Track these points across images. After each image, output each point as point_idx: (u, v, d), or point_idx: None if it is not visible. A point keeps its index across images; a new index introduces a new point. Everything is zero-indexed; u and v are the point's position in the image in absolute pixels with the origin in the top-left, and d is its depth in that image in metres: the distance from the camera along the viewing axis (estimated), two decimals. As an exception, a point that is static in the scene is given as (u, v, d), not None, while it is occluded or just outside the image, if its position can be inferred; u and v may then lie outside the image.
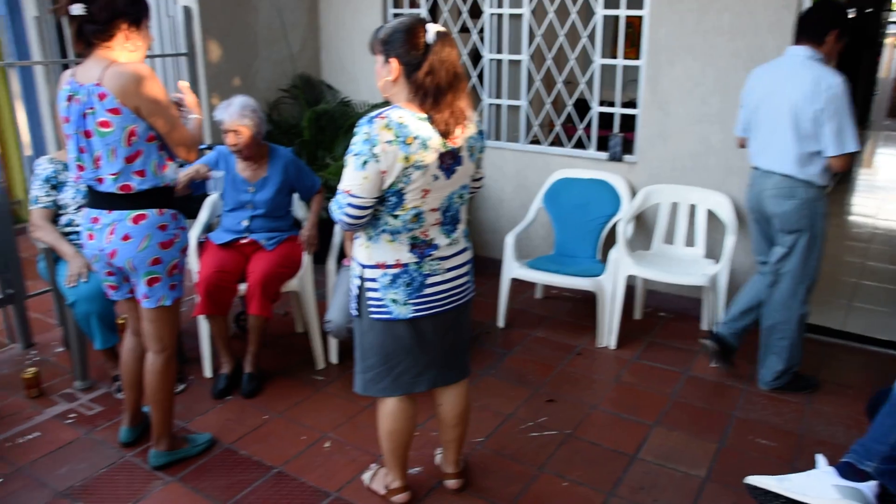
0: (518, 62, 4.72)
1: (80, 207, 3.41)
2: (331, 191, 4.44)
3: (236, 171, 3.48)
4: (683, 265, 3.98)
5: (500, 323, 4.21)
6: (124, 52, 2.45)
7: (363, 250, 2.30)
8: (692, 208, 4.14)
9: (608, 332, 3.95)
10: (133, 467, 2.92)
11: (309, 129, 4.82)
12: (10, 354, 3.94)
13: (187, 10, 4.56)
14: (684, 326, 4.22)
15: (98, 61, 2.41)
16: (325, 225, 3.77)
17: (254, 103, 3.42)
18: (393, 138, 2.09)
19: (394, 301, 2.28)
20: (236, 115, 3.33)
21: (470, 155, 2.27)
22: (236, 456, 2.97)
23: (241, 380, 3.48)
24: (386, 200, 2.19)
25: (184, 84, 2.75)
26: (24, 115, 3.93)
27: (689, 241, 4.16)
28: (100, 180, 2.51)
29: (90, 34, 2.40)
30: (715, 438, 3.09)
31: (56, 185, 3.41)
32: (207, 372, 3.61)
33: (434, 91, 2.13)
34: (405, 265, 2.26)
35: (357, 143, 2.13)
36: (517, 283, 4.16)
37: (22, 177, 6.18)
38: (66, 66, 4.23)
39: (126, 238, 2.52)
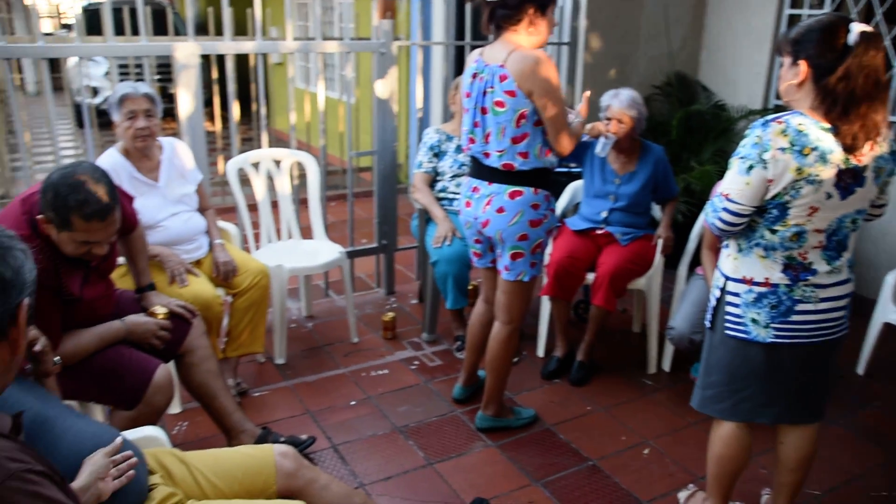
0: (937, 78, 4.07)
1: (454, 177, 3.70)
2: (690, 195, 4.30)
3: (607, 161, 3.50)
4: None
5: (860, 370, 3.71)
6: (527, 36, 2.56)
7: (730, 261, 2.16)
8: None
9: None
10: (460, 423, 3.12)
11: (677, 128, 4.68)
12: (374, 297, 4.46)
13: (576, 1, 4.69)
14: None
15: (505, 45, 2.56)
16: (680, 229, 3.63)
17: (640, 98, 3.41)
18: (787, 146, 1.91)
19: (754, 321, 2.11)
20: (625, 105, 3.34)
21: (875, 177, 1.99)
22: (555, 438, 3.02)
23: (571, 366, 3.52)
24: (766, 212, 2.02)
25: (587, 94, 2.82)
26: (421, 88, 4.36)
27: None
28: (486, 154, 2.67)
29: (500, 18, 2.56)
30: None
31: (438, 154, 3.73)
32: (540, 351, 3.72)
33: (845, 99, 1.89)
34: (774, 285, 2.07)
35: (746, 145, 1.98)
36: (889, 330, 3.63)
37: (406, 143, 6.92)
38: (460, 48, 4.60)
39: (500, 210, 2.66)
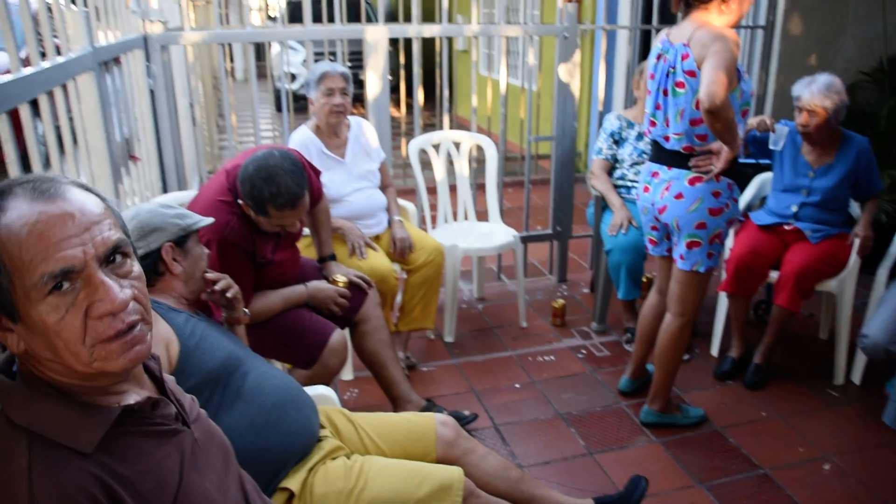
0: None
1: (633, 164, 3.61)
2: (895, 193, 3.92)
3: (800, 153, 3.27)
4: None
5: None
6: (718, 15, 2.44)
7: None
8: None
9: None
10: (624, 415, 3.05)
11: (887, 119, 4.27)
12: (545, 283, 4.46)
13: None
14: None
15: (691, 23, 2.45)
16: (883, 230, 3.31)
17: (840, 85, 3.11)
18: None
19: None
20: (817, 95, 3.08)
21: None
22: (724, 442, 2.88)
23: (746, 368, 3.32)
24: None
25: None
26: (603, 74, 4.29)
27: None
28: (666, 138, 2.59)
29: None
30: None
31: (618, 141, 3.65)
32: (714, 350, 3.55)
33: None
34: None
35: None
36: None
37: (586, 131, 6.83)
38: (646, 32, 4.47)
39: (679, 196, 2.57)
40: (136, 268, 1.05)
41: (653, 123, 2.64)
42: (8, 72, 1.65)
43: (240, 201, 2.28)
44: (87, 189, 1.03)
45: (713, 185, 2.54)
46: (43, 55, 1.93)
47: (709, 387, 3.29)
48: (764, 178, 3.64)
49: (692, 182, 2.55)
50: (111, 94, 2.73)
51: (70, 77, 2.13)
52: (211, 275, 1.95)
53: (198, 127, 4.17)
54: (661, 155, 2.64)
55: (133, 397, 1.09)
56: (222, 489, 1.19)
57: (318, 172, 2.72)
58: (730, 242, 3.35)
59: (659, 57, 2.56)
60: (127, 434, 1.05)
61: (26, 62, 1.75)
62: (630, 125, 3.65)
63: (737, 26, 2.52)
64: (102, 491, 0.97)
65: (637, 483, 2.44)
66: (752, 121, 3.22)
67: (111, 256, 1.01)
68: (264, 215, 2.26)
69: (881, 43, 4.61)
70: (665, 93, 2.54)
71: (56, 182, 1.00)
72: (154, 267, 1.79)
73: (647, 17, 5.36)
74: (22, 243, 0.94)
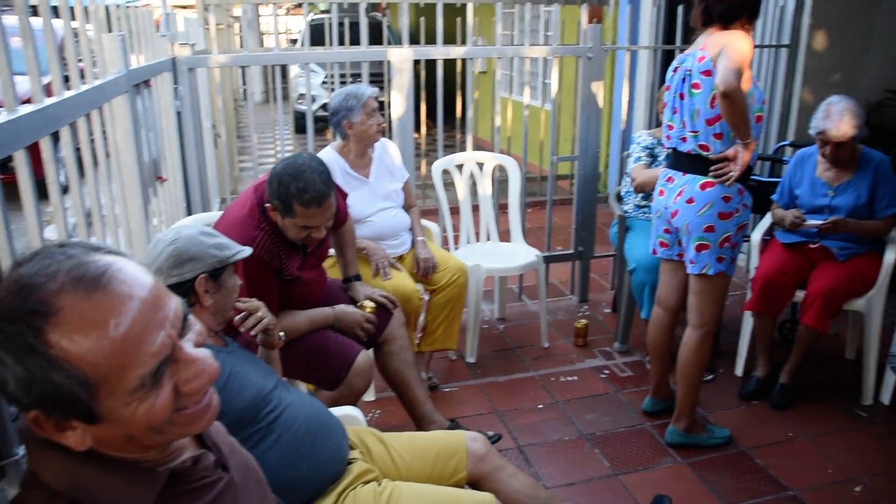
0: None
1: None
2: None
3: (815, 174, 3.25)
4: None
5: None
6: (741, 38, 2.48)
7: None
8: None
9: None
10: (648, 436, 3.03)
11: (912, 138, 4.24)
12: (566, 304, 4.44)
13: (800, 1, 4.40)
14: None
15: (707, 34, 2.55)
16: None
17: (858, 108, 3.04)
18: None
19: None
20: (844, 127, 3.00)
21: None
22: (751, 463, 2.85)
23: (772, 388, 3.28)
24: None
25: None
26: (626, 94, 4.30)
27: None
28: (683, 139, 2.66)
29: (716, 13, 2.51)
30: None
31: (653, 156, 3.62)
32: (739, 370, 3.52)
33: None
34: None
35: None
36: None
37: (606, 152, 6.83)
38: (669, 52, 4.48)
39: (690, 201, 2.64)
40: (190, 316, 0.97)
41: (670, 127, 2.72)
42: (28, 100, 1.55)
43: (267, 205, 2.27)
44: (122, 254, 0.91)
45: (724, 189, 2.58)
46: (66, 80, 1.84)
47: (734, 407, 3.26)
48: (788, 197, 3.61)
49: (703, 187, 2.61)
50: (141, 116, 2.77)
51: (107, 99, 2.17)
52: (242, 304, 1.91)
53: (220, 148, 4.21)
54: (678, 161, 2.71)
55: (181, 457, 1.03)
56: None
57: (344, 195, 2.73)
58: (755, 261, 3.33)
59: (675, 70, 2.67)
60: (171, 496, 0.97)
61: (48, 89, 1.66)
62: (661, 143, 3.61)
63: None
64: None
65: (661, 502, 2.42)
66: (784, 213, 3.24)
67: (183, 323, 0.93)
68: (291, 215, 2.24)
69: (905, 61, 4.59)
70: (681, 97, 2.62)
71: (99, 263, 0.86)
72: (185, 298, 1.69)
73: (668, 38, 5.37)
74: (106, 352, 0.83)
